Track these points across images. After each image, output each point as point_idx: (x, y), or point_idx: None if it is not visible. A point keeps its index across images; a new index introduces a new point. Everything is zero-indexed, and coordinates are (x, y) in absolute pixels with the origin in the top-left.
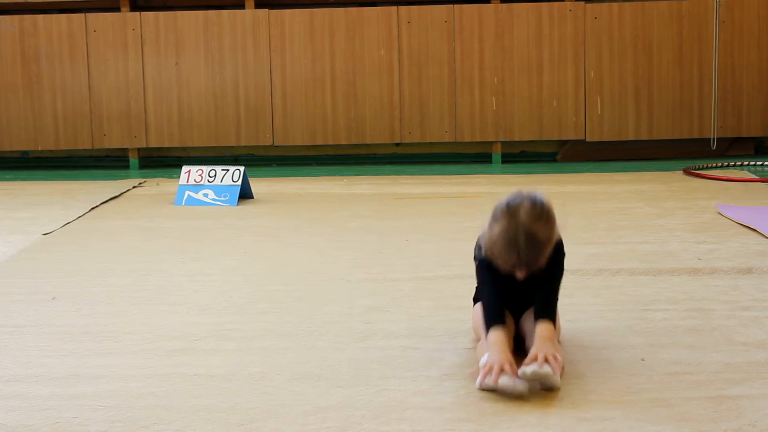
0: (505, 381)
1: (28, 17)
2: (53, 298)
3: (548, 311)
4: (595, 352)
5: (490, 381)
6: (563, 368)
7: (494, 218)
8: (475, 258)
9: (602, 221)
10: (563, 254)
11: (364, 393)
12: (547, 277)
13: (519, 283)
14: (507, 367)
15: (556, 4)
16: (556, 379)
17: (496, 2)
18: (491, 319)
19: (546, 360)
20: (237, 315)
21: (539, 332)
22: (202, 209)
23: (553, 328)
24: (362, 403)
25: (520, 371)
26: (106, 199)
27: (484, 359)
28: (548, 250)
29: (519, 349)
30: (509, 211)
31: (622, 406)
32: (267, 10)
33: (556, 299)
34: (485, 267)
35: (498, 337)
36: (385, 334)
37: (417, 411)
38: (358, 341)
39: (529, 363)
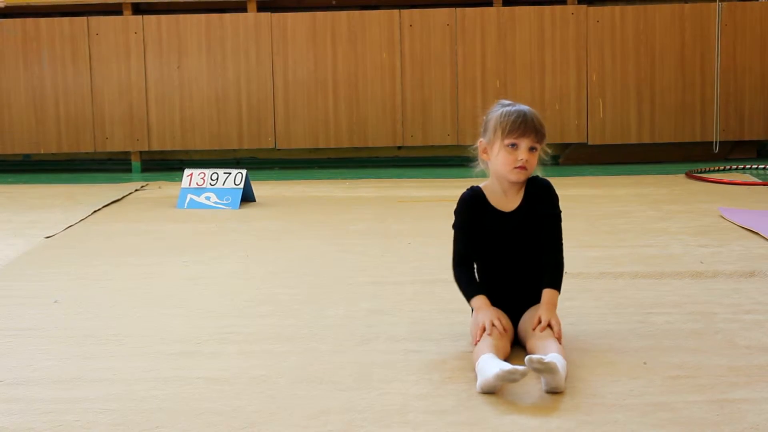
0: (501, 374)
1: (30, 20)
2: (55, 301)
3: (556, 281)
4: (597, 355)
5: (490, 381)
6: (562, 340)
7: (489, 115)
8: (453, 226)
9: (604, 224)
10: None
11: (366, 396)
12: (552, 239)
13: (512, 230)
14: (497, 323)
15: (558, 7)
16: (561, 380)
17: (498, 5)
18: (470, 291)
19: (549, 325)
20: (239, 318)
21: (546, 298)
22: (205, 212)
23: (557, 296)
24: (364, 406)
25: (526, 358)
26: (108, 202)
27: (479, 362)
28: (544, 144)
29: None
30: (509, 101)
31: (624, 409)
32: (269, 13)
33: (561, 262)
34: (465, 232)
35: (482, 300)
36: (387, 337)
37: (419, 414)
38: (360, 344)
39: (535, 326)
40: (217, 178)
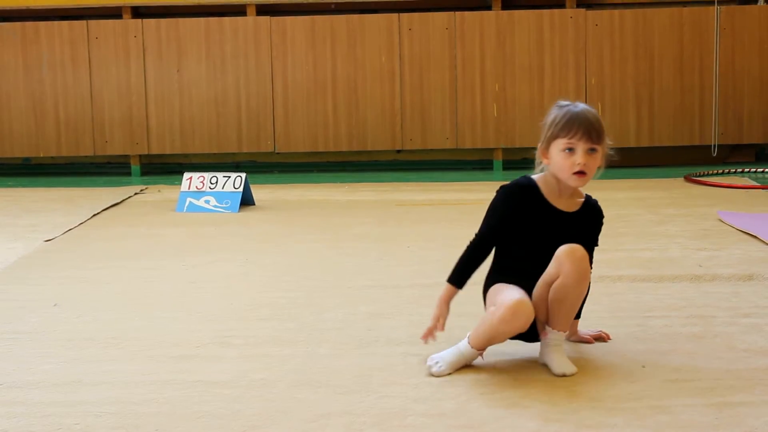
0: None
1: (29, 24)
2: (55, 305)
3: (579, 311)
4: (596, 358)
5: (435, 369)
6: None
7: (546, 118)
8: (492, 206)
9: (604, 228)
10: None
11: (365, 399)
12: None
13: (565, 229)
14: (433, 325)
15: (557, 11)
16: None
17: (497, 9)
18: (455, 274)
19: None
20: (238, 322)
21: (575, 327)
22: (204, 216)
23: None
24: (364, 409)
25: (555, 369)
26: (108, 205)
27: (442, 360)
28: (605, 144)
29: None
30: (566, 102)
31: (623, 412)
32: (268, 17)
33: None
34: (500, 219)
35: (447, 292)
36: (386, 340)
37: (418, 417)
38: (360, 348)
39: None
40: (217, 182)
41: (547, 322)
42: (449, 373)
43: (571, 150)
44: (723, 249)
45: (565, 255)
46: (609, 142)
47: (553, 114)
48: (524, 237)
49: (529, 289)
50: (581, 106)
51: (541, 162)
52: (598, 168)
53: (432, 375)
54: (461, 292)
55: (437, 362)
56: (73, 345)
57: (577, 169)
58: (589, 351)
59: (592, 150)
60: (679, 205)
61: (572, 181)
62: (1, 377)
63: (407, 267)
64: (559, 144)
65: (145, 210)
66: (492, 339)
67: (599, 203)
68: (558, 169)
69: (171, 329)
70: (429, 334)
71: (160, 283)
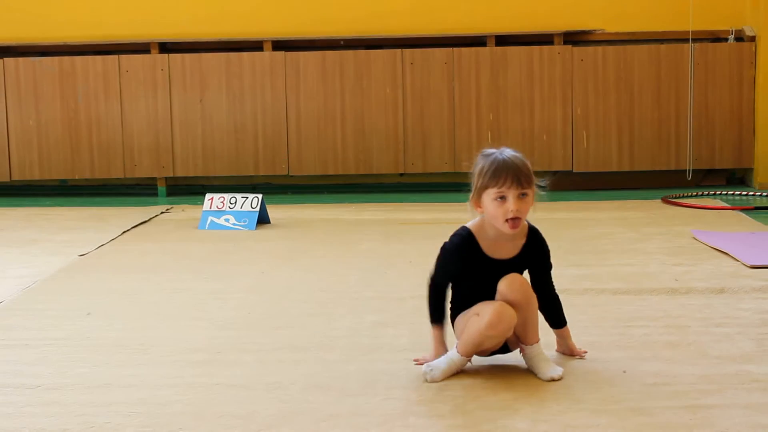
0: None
1: (66, 58)
2: (88, 314)
3: (563, 320)
4: (581, 364)
5: (429, 376)
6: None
7: (474, 169)
8: (442, 250)
9: (588, 245)
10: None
11: (371, 401)
12: (545, 280)
13: (501, 274)
14: (427, 373)
15: (545, 47)
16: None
17: (491, 46)
18: (434, 316)
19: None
20: (255, 330)
21: (566, 336)
22: (224, 233)
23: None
24: (369, 410)
25: (543, 375)
26: (137, 223)
27: (436, 366)
28: (534, 187)
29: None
30: (492, 150)
31: (605, 414)
32: (283, 52)
33: (559, 301)
34: (447, 272)
35: (437, 333)
36: (390, 347)
37: (419, 418)
38: (366, 354)
39: (569, 354)
40: (236, 202)
41: (519, 341)
42: (442, 380)
43: (502, 198)
44: (697, 264)
45: (506, 288)
46: (537, 182)
47: (481, 164)
48: (470, 283)
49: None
50: (507, 152)
51: (474, 212)
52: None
53: (426, 381)
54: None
55: (431, 369)
56: (105, 351)
57: (510, 215)
58: (574, 358)
59: (523, 195)
60: (657, 224)
61: (506, 230)
62: (38, 380)
63: (410, 280)
64: (490, 193)
65: (170, 227)
66: (480, 344)
67: (539, 233)
68: (492, 217)
69: (193, 336)
70: (424, 361)
71: (183, 294)
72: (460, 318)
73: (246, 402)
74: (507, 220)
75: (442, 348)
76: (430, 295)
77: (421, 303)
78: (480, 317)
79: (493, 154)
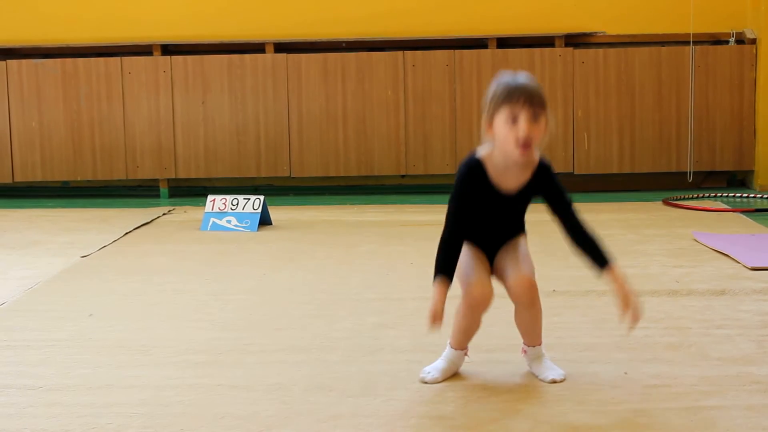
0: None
1: (69, 60)
2: (90, 315)
3: (606, 256)
4: (582, 366)
5: (429, 377)
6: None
7: (491, 87)
8: (451, 199)
9: None
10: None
11: (372, 402)
12: (568, 213)
13: (504, 207)
14: (433, 323)
15: (546, 49)
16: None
17: (492, 48)
18: (440, 269)
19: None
20: (256, 331)
21: (616, 277)
22: (226, 234)
23: (619, 271)
24: (371, 411)
25: (544, 377)
26: (139, 225)
27: (432, 367)
28: (547, 112)
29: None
30: (505, 72)
31: (606, 415)
32: (285, 54)
33: (597, 236)
34: (461, 210)
35: (440, 288)
36: (391, 349)
37: (421, 419)
38: (367, 355)
39: (624, 311)
40: (237, 204)
41: (522, 342)
42: (442, 380)
43: (514, 120)
44: (698, 266)
45: (512, 286)
46: (551, 116)
47: (494, 86)
48: (474, 216)
49: (486, 242)
50: (521, 75)
51: (486, 137)
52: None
53: (427, 383)
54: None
55: (429, 372)
56: (106, 352)
57: (521, 136)
58: (575, 359)
59: (535, 118)
60: (657, 226)
61: (517, 155)
62: (40, 380)
63: (410, 281)
64: (502, 115)
65: (173, 229)
66: (468, 329)
67: (550, 163)
68: (502, 140)
69: (195, 337)
70: (435, 324)
71: (185, 296)
72: (458, 268)
73: (247, 403)
74: (518, 147)
75: (440, 304)
76: (442, 247)
77: (421, 304)
78: (460, 304)
79: (507, 77)
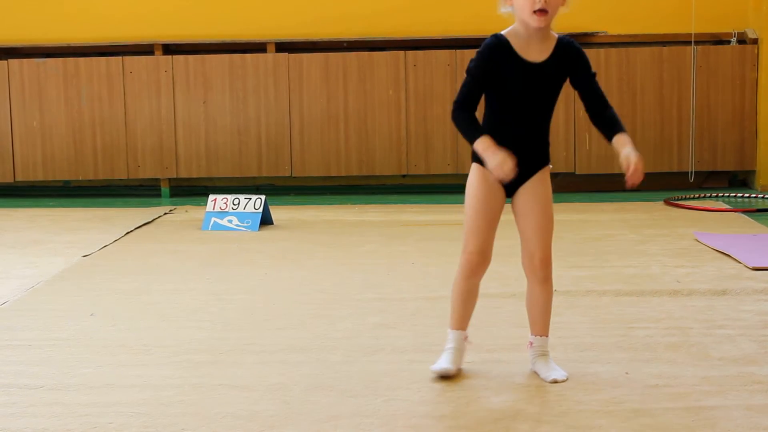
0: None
1: (70, 60)
2: (92, 315)
3: (621, 125)
4: (583, 366)
5: (439, 368)
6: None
7: None
8: (467, 70)
9: (590, 247)
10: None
11: (373, 402)
12: (590, 84)
13: (535, 80)
14: (507, 169)
15: None
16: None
17: None
18: (474, 131)
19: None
20: (257, 331)
21: (624, 140)
22: (227, 234)
23: (629, 138)
24: (372, 411)
25: (545, 376)
26: (140, 224)
27: (441, 360)
28: None
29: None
30: None
31: (607, 415)
32: (287, 54)
33: (613, 109)
34: (478, 80)
35: (488, 141)
36: (392, 348)
37: (422, 419)
38: (368, 355)
39: (627, 170)
40: (239, 203)
41: (530, 331)
42: (455, 369)
43: None
44: (699, 266)
45: (532, 256)
46: None
47: None
48: (500, 91)
49: (513, 139)
50: None
51: (504, 4)
52: (562, 7)
53: (438, 374)
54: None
55: (439, 364)
56: (108, 351)
57: (537, 6)
58: (576, 359)
59: None
60: (659, 226)
61: (534, 21)
62: (42, 380)
63: (411, 281)
64: None
65: (174, 228)
66: (466, 298)
67: (571, 39)
68: (520, 9)
69: (196, 337)
70: (508, 168)
71: (186, 295)
72: (472, 177)
73: (248, 403)
74: (535, 12)
75: (496, 149)
76: (457, 114)
77: (423, 304)
78: (457, 271)
79: None
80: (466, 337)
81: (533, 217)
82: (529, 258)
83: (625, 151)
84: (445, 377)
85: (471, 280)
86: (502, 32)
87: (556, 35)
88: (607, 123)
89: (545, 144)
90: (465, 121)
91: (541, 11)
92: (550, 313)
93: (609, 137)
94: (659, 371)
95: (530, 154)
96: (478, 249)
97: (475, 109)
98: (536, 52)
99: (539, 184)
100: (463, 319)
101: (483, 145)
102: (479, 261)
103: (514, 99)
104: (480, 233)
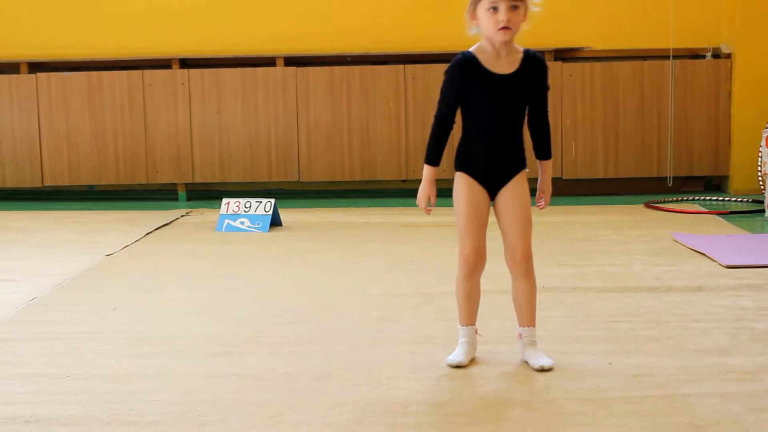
0: (457, 360)
1: (94, 73)
2: (114, 309)
3: (550, 152)
4: (569, 357)
5: (456, 360)
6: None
7: None
8: (440, 89)
9: (576, 247)
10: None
11: (375, 390)
12: (540, 102)
13: (503, 93)
14: (424, 204)
15: None
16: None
17: None
18: (430, 156)
19: (546, 198)
20: (268, 324)
21: (546, 170)
22: (239, 235)
23: (551, 168)
24: (374, 398)
25: (534, 363)
26: (159, 225)
27: (455, 354)
28: (525, 2)
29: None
30: None
31: (592, 402)
32: (295, 67)
33: (549, 134)
34: (450, 96)
35: (430, 172)
36: (393, 341)
37: (420, 406)
38: (371, 347)
39: (539, 199)
40: (250, 206)
41: (518, 324)
42: (468, 361)
43: (494, 9)
44: (677, 265)
45: (514, 252)
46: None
47: None
48: (472, 105)
49: (489, 162)
50: None
51: (471, 25)
52: (524, 23)
53: (453, 366)
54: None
55: (454, 357)
56: (129, 343)
57: (501, 25)
58: (563, 350)
59: (514, 7)
60: (640, 227)
61: (499, 37)
62: (68, 370)
63: (411, 279)
64: (484, 4)
65: (190, 230)
66: (469, 296)
67: (537, 53)
68: (485, 27)
69: (211, 330)
70: (425, 207)
71: (202, 292)
72: (457, 185)
73: (260, 391)
74: (499, 30)
75: (433, 187)
76: (433, 131)
77: (422, 300)
78: (457, 273)
79: None
80: (476, 330)
81: (513, 216)
82: (511, 254)
83: (543, 183)
84: (458, 367)
85: (471, 279)
86: (470, 49)
87: (521, 49)
88: (540, 140)
89: (520, 149)
90: (432, 141)
91: (505, 28)
92: (535, 305)
93: (537, 155)
94: (640, 362)
95: (506, 160)
96: (474, 250)
97: (450, 124)
98: (504, 65)
99: (517, 186)
100: (471, 315)
101: (425, 173)
102: (476, 261)
103: (486, 110)
104: (473, 235)
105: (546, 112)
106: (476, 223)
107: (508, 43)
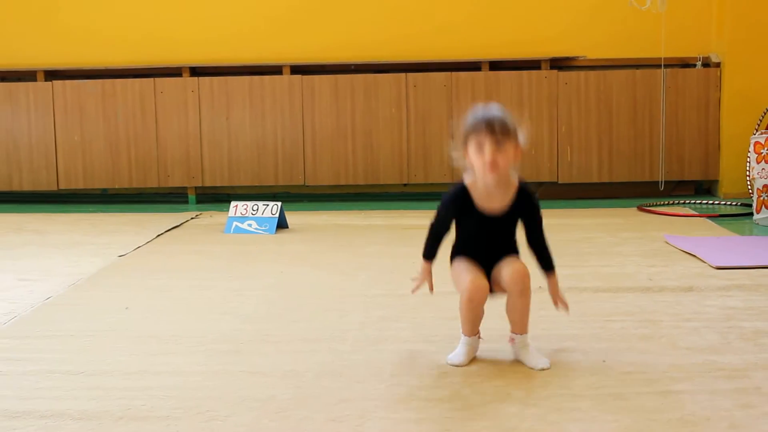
0: (457, 360)
1: (108, 81)
2: (126, 308)
3: (552, 264)
4: (565, 355)
5: (456, 360)
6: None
7: (465, 118)
8: (437, 207)
9: (571, 248)
10: (538, 202)
11: (378, 387)
12: (535, 230)
13: (491, 227)
14: (421, 284)
15: (534, 72)
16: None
17: (485, 71)
18: (426, 253)
19: (563, 304)
20: (274, 323)
21: (552, 282)
22: (247, 237)
23: (556, 278)
24: (376, 395)
25: (534, 366)
26: (170, 227)
27: (456, 354)
28: (514, 140)
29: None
30: (478, 106)
31: (587, 399)
32: (300, 76)
33: (549, 249)
34: (443, 222)
35: (425, 267)
36: (395, 339)
37: (421, 402)
38: (373, 345)
39: (556, 303)
40: (257, 209)
41: (510, 329)
42: (467, 362)
43: (480, 147)
44: (669, 266)
45: (507, 275)
46: (522, 135)
47: (467, 118)
48: (464, 230)
49: (481, 258)
50: (491, 107)
51: (464, 163)
52: (512, 161)
53: (453, 365)
54: (457, 304)
55: (454, 357)
56: (141, 341)
57: (487, 161)
58: (559, 348)
59: (499, 144)
60: (633, 229)
61: (488, 177)
62: (82, 366)
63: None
64: (472, 144)
65: (199, 232)
66: (473, 320)
67: (530, 188)
68: (474, 165)
69: (219, 329)
70: (416, 289)
71: (210, 291)
72: (453, 265)
73: (265, 387)
74: (485, 168)
75: (426, 276)
76: (428, 236)
77: (422, 300)
78: (460, 297)
79: (478, 109)
80: (479, 336)
81: (505, 259)
82: (508, 274)
83: (552, 293)
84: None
85: (476, 310)
86: (467, 182)
87: (517, 182)
88: (540, 255)
89: (513, 249)
90: (428, 242)
91: (492, 167)
92: (528, 317)
93: (540, 267)
94: (633, 359)
95: (499, 257)
96: (473, 278)
97: (445, 233)
98: (497, 201)
99: (511, 256)
100: (474, 328)
101: (421, 269)
102: (476, 289)
103: (477, 237)
104: (471, 272)
105: (542, 232)
106: (474, 265)
107: (498, 178)
